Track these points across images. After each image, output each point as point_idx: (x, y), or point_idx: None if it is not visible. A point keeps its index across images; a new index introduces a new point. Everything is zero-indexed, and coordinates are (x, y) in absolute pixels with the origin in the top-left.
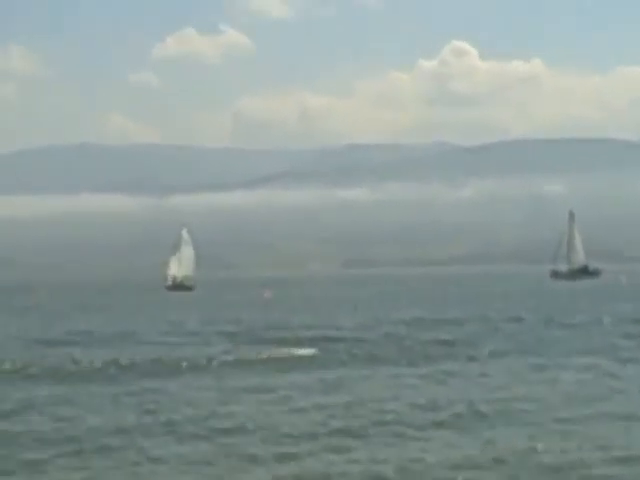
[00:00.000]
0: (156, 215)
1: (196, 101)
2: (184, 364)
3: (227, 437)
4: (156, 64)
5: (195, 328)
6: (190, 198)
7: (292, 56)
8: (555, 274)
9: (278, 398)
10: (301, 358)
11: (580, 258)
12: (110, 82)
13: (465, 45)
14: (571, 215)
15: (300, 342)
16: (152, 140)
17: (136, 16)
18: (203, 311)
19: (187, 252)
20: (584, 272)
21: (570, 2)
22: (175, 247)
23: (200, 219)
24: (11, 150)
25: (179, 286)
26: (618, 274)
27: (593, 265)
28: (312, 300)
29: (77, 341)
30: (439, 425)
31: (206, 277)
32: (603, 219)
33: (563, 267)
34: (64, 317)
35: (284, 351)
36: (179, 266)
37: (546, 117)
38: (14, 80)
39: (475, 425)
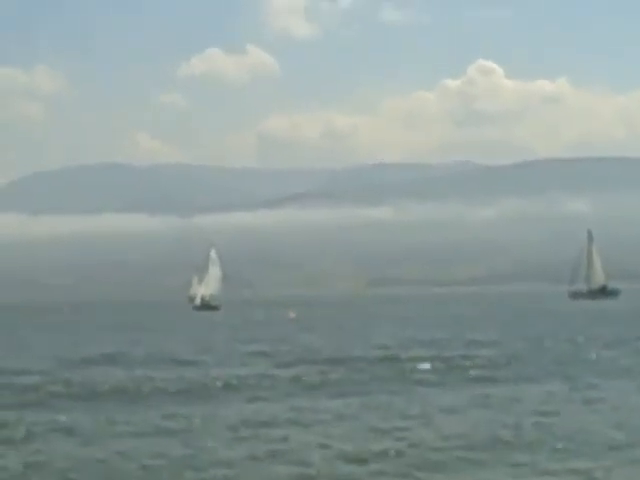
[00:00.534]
0: (182, 235)
1: (222, 121)
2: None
3: None
4: (182, 84)
5: (226, 348)
6: (216, 218)
7: (317, 75)
8: (574, 294)
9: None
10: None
11: (599, 278)
12: (136, 102)
13: (491, 64)
14: (590, 235)
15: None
16: (178, 160)
17: (162, 36)
18: (231, 330)
19: (214, 272)
20: (603, 292)
21: (595, 22)
22: (203, 267)
23: (225, 238)
24: (38, 170)
25: (206, 306)
26: None
27: (612, 285)
28: (336, 320)
29: (113, 362)
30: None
31: (231, 296)
32: (627, 239)
33: (582, 287)
34: (93, 338)
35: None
36: (207, 286)
37: (571, 136)
38: (41, 100)
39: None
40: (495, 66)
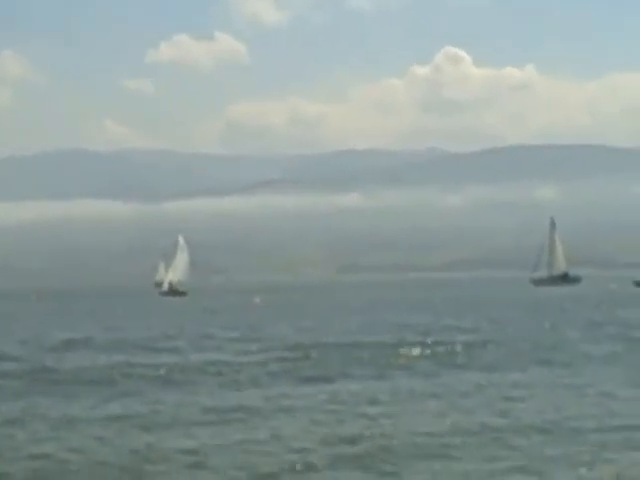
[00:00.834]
0: (150, 221)
1: (190, 107)
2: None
3: None
4: (150, 70)
5: (193, 333)
6: (183, 204)
7: (286, 62)
8: (536, 281)
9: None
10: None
11: (561, 265)
12: (104, 88)
13: (459, 51)
14: (552, 222)
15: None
16: (146, 146)
17: (130, 22)
18: (198, 316)
19: (182, 258)
20: (564, 279)
21: (563, 9)
22: (171, 253)
23: (193, 225)
24: (4, 156)
25: (173, 291)
26: (609, 280)
27: (574, 272)
28: (304, 306)
29: (81, 347)
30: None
31: (200, 283)
32: (596, 225)
33: (543, 274)
34: (63, 323)
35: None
36: (174, 272)
37: (539, 123)
38: (8, 85)
39: None
40: (463, 53)
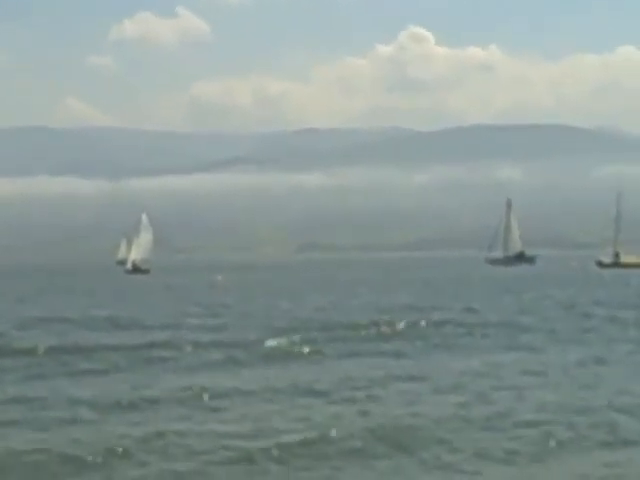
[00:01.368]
0: (112, 198)
1: (153, 85)
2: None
3: None
4: (113, 47)
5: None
6: (146, 182)
7: (250, 40)
8: (491, 260)
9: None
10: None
11: (516, 245)
12: (66, 65)
13: (422, 31)
14: (508, 202)
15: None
16: (108, 123)
17: None
18: (164, 295)
19: (146, 236)
20: (520, 259)
21: None
22: (134, 231)
23: (156, 202)
24: None
25: (136, 269)
26: (569, 260)
27: (533, 252)
28: (266, 284)
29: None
30: None
31: (162, 261)
32: (557, 206)
33: (499, 253)
34: (27, 301)
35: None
36: (137, 249)
37: (502, 104)
38: None
39: None
40: (427, 33)
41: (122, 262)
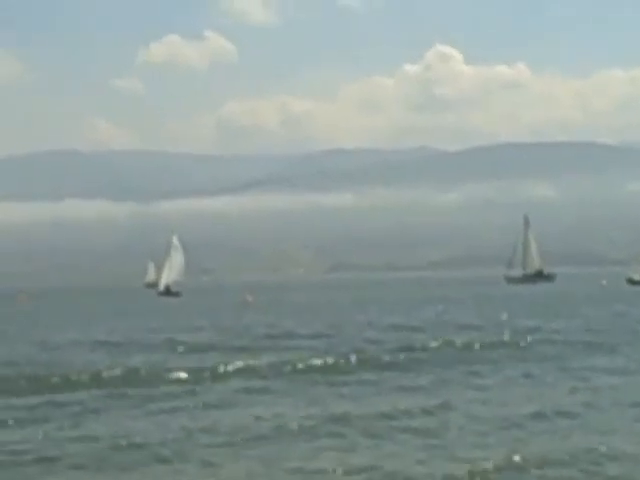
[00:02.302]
0: (142, 221)
1: (180, 107)
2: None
3: None
4: (140, 70)
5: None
6: (175, 204)
7: (275, 60)
8: (509, 279)
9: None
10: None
11: (535, 263)
12: (94, 88)
13: (449, 49)
14: (526, 220)
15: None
16: (136, 146)
17: (120, 21)
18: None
19: (177, 258)
20: (539, 276)
21: (553, 6)
22: (165, 253)
23: (184, 225)
24: None
25: (168, 292)
26: (599, 277)
27: (548, 270)
28: (295, 305)
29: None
30: None
31: (189, 283)
32: (586, 222)
33: (517, 272)
34: (66, 324)
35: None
36: (169, 272)
37: (530, 121)
38: None
39: None
40: (453, 51)
41: (150, 285)
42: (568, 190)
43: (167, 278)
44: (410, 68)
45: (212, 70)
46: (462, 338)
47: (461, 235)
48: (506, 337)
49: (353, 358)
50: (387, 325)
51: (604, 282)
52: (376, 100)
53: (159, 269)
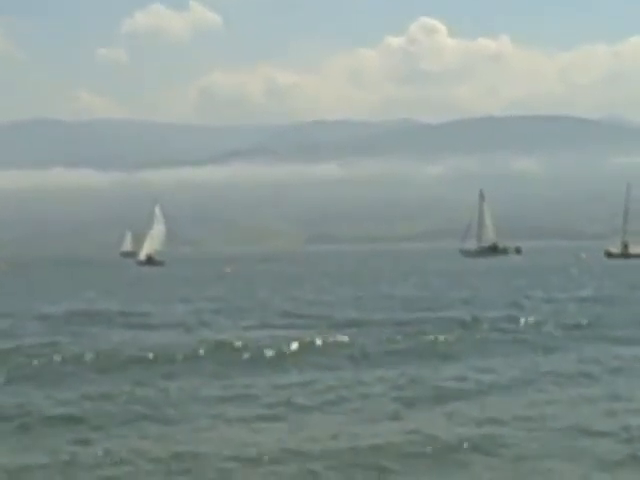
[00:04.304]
0: (126, 190)
1: (165, 77)
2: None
3: None
4: (125, 39)
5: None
6: (158, 173)
7: (261, 32)
8: (464, 252)
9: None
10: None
11: (490, 236)
12: (78, 57)
13: (433, 22)
14: (481, 194)
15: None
16: (120, 116)
17: None
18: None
19: (159, 228)
20: (493, 250)
21: None
22: (147, 223)
23: (167, 195)
24: None
25: (150, 261)
26: (579, 251)
27: (502, 243)
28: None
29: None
30: None
31: (171, 253)
32: (568, 196)
33: (472, 245)
34: (45, 295)
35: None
36: (151, 242)
37: (512, 94)
38: None
39: None
40: (438, 24)
41: (126, 254)
42: (550, 164)
43: (149, 248)
44: (394, 40)
45: (196, 40)
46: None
47: (442, 207)
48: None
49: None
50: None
51: (583, 255)
52: (360, 72)
53: (136, 239)
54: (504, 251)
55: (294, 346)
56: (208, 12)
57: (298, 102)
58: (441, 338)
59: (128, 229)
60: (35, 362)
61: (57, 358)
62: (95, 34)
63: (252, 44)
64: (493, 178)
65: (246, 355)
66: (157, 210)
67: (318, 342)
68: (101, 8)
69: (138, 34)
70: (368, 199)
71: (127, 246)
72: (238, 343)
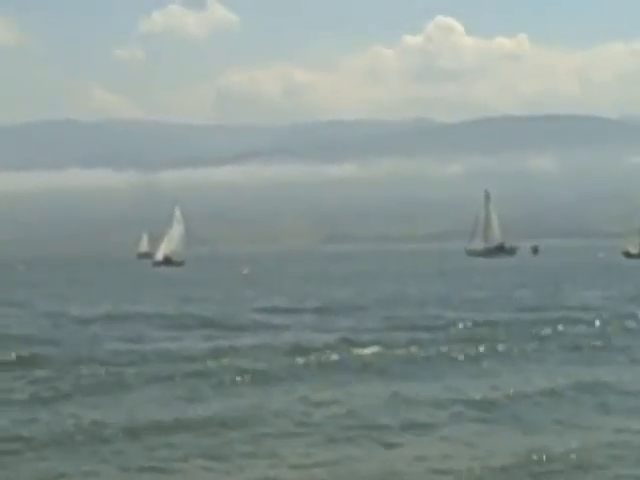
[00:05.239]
0: (141, 191)
1: (181, 76)
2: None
3: None
4: (142, 39)
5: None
6: (174, 174)
7: (278, 31)
8: (470, 252)
9: None
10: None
11: (496, 236)
12: (95, 56)
13: (451, 20)
14: (487, 194)
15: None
16: (136, 116)
17: None
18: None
19: (178, 229)
20: (500, 250)
21: None
22: (167, 224)
23: (184, 195)
24: None
25: (168, 262)
26: (596, 250)
27: (509, 243)
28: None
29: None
30: None
31: (187, 253)
32: (584, 195)
33: (479, 245)
34: (66, 296)
35: None
36: (169, 242)
37: (530, 93)
38: None
39: None
40: (455, 22)
41: (143, 255)
42: (567, 163)
43: (166, 248)
44: (411, 39)
45: (213, 39)
46: None
47: (460, 206)
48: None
49: None
50: None
51: (601, 255)
52: (377, 71)
53: (153, 240)
54: (511, 251)
55: None
56: (225, 11)
57: (315, 101)
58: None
59: (144, 230)
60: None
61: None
62: (112, 33)
63: (269, 43)
64: (510, 177)
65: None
66: (177, 211)
67: None
68: (118, 7)
69: (155, 33)
70: (385, 198)
71: (144, 247)
72: None
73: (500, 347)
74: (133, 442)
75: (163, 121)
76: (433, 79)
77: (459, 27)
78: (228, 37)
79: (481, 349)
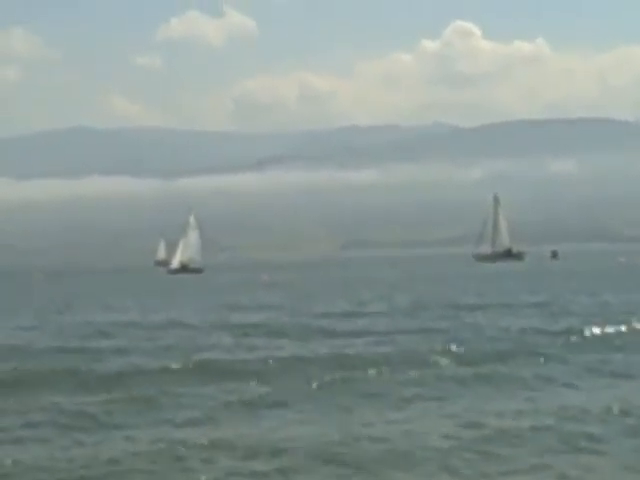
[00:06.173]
0: (161, 198)
1: (199, 83)
2: None
3: None
4: (160, 46)
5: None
6: (194, 181)
7: (295, 37)
8: (478, 256)
9: None
10: None
11: (504, 241)
12: (114, 64)
13: (469, 25)
14: (495, 198)
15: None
16: (155, 123)
17: None
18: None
19: (193, 236)
20: (508, 255)
21: None
22: (181, 231)
23: (203, 202)
24: (14, 134)
25: (185, 269)
26: (616, 254)
27: (517, 248)
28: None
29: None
30: None
31: (205, 260)
32: (603, 198)
33: (486, 249)
34: (84, 306)
35: None
36: (185, 250)
37: (549, 97)
38: (17, 63)
39: None
40: (473, 27)
41: (160, 263)
42: (587, 166)
43: (182, 256)
44: (429, 44)
45: (231, 46)
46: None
47: (480, 211)
48: None
49: None
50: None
51: (622, 259)
52: (395, 76)
53: (170, 247)
54: (519, 256)
55: None
56: (243, 18)
57: (333, 107)
58: None
59: (162, 237)
60: None
61: None
62: (131, 41)
63: (287, 50)
64: (530, 181)
65: None
66: (191, 219)
67: None
68: (137, 15)
69: (173, 40)
70: (404, 204)
71: (161, 254)
72: None
73: None
74: None
75: (182, 128)
76: (451, 84)
77: (477, 31)
78: (246, 44)
79: None
